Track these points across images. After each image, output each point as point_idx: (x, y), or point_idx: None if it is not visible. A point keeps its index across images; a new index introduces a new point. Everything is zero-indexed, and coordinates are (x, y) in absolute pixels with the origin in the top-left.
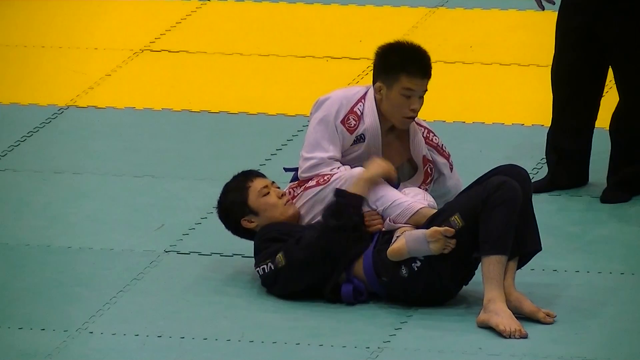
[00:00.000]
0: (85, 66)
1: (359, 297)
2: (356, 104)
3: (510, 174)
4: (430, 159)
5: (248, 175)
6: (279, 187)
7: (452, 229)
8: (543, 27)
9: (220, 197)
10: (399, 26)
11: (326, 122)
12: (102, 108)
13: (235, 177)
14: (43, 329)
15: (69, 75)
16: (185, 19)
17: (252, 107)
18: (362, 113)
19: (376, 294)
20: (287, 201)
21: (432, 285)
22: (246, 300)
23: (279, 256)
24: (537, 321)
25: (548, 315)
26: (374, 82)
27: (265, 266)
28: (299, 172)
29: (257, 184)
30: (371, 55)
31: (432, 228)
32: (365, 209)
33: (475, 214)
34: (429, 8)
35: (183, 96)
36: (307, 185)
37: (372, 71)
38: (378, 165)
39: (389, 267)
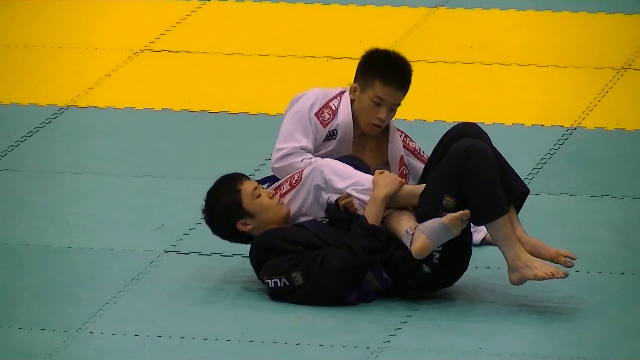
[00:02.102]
0: (85, 66)
1: (367, 298)
2: (332, 99)
3: (468, 133)
4: (406, 162)
5: (236, 179)
6: (264, 188)
7: (468, 211)
8: (543, 27)
9: (209, 203)
10: (399, 26)
11: (300, 114)
12: (102, 108)
13: (222, 182)
14: (43, 329)
15: (69, 75)
16: (185, 19)
17: (252, 107)
18: (336, 109)
19: (380, 293)
20: (279, 201)
21: (457, 269)
22: (246, 300)
23: (297, 275)
24: (559, 265)
25: (568, 257)
26: (353, 82)
27: (277, 280)
28: (271, 165)
29: (247, 187)
30: None
31: (447, 215)
32: (335, 197)
33: (459, 187)
34: (429, 8)
35: (183, 96)
36: (282, 192)
37: None
38: (391, 183)
39: (409, 269)
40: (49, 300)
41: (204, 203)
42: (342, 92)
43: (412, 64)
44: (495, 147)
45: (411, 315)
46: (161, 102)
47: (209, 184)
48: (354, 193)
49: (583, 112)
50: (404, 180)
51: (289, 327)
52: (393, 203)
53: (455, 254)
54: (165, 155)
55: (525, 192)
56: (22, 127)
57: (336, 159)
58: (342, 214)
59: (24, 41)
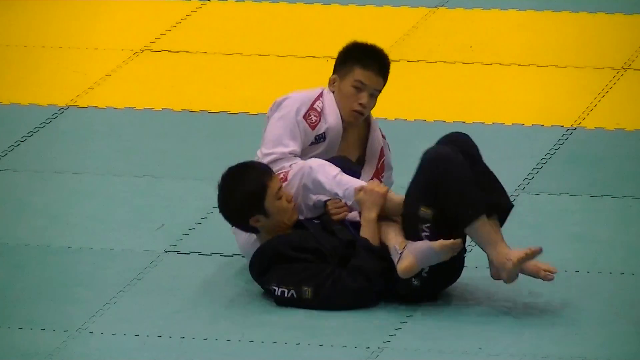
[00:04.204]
0: (85, 66)
1: None
2: (315, 100)
3: (448, 141)
4: (385, 153)
5: (265, 173)
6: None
7: (460, 240)
8: (543, 27)
9: (230, 186)
10: (399, 26)
11: (287, 119)
12: (102, 108)
13: (249, 168)
14: (43, 329)
15: (69, 75)
16: (185, 19)
17: (252, 107)
18: (322, 110)
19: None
20: (294, 206)
21: (446, 278)
22: (246, 300)
23: (307, 290)
24: (539, 279)
25: (549, 271)
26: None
27: (285, 290)
28: None
29: (274, 185)
30: None
31: (439, 241)
32: (324, 198)
33: (433, 196)
34: (429, 8)
35: (183, 96)
36: None
37: None
38: (376, 200)
39: (398, 280)
40: (49, 300)
41: (221, 181)
42: (322, 92)
43: (412, 64)
44: (486, 152)
45: (411, 315)
46: (161, 102)
47: (209, 184)
48: (343, 198)
49: (583, 112)
50: (386, 187)
51: (289, 327)
52: (382, 214)
53: (445, 266)
54: (165, 155)
55: (509, 207)
56: (22, 127)
57: (326, 160)
58: (328, 215)
59: (24, 41)
